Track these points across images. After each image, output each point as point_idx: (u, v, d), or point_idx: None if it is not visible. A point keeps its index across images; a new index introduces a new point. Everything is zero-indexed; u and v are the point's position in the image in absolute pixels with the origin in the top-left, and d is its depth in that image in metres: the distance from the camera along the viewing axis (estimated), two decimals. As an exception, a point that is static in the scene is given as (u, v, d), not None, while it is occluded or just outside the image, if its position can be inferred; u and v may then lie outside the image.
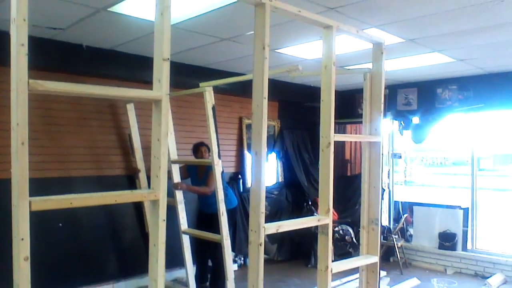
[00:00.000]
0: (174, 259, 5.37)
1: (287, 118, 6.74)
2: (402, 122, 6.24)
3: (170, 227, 5.51)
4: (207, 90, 4.24)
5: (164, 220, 2.05)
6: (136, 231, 5.23)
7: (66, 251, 4.66)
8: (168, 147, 4.61)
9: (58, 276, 4.56)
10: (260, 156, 2.49)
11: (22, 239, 1.65)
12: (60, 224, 4.61)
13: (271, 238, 6.25)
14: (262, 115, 2.50)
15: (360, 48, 4.19)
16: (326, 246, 2.92)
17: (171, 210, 5.17)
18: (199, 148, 4.98)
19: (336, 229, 6.16)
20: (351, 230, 6.10)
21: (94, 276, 4.86)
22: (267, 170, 2.52)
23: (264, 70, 2.44)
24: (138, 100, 2.18)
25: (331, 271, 2.94)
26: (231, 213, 4.91)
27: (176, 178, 4.83)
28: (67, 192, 2.01)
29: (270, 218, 5.57)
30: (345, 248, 5.98)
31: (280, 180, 6.73)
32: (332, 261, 2.97)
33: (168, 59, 2.00)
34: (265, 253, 6.17)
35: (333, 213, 6.44)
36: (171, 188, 4.73)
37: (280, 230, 2.70)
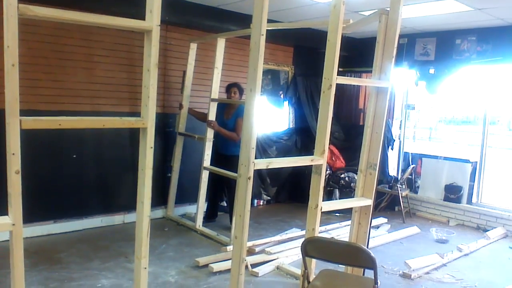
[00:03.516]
0: (185, 196, 5.63)
1: (301, 64, 6.68)
2: (417, 73, 6.12)
3: (186, 163, 5.71)
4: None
5: (151, 147, 2.15)
6: (156, 165, 5.46)
7: (82, 181, 4.93)
8: (212, 86, 4.96)
9: (74, 205, 4.86)
10: (254, 93, 2.55)
11: (13, 154, 1.78)
12: (74, 156, 4.83)
13: (272, 181, 6.44)
14: (259, 52, 2.52)
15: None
16: (318, 185, 3.01)
17: (194, 147, 5.47)
18: (231, 89, 5.11)
19: (343, 175, 6.26)
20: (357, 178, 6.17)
21: (107, 206, 5.14)
22: (258, 108, 2.57)
23: (264, 7, 2.44)
24: (129, 29, 2.22)
25: (321, 209, 3.05)
26: None
27: (212, 116, 5.02)
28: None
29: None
30: (350, 195, 6.08)
31: (291, 126, 6.79)
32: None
33: (159, -11, 2.03)
34: (266, 195, 6.42)
35: (341, 160, 6.57)
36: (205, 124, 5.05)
37: (270, 167, 2.80)
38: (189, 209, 5.69)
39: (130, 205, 5.30)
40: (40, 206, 4.46)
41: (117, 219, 5.21)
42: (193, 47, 5.28)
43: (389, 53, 3.24)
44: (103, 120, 1.99)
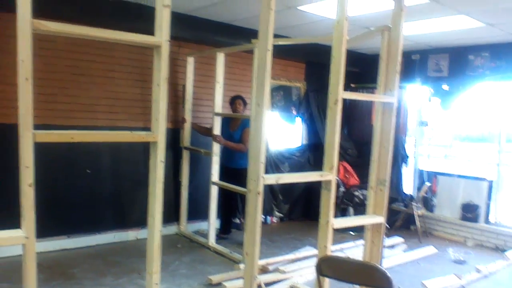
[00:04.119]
0: (198, 212, 5.63)
1: (313, 80, 6.70)
2: (431, 89, 6.09)
3: (198, 178, 5.74)
4: (257, 47, 4.36)
5: (162, 161, 2.17)
6: (167, 182, 5.48)
7: (95, 196, 4.97)
8: (214, 99, 4.98)
9: (87, 220, 4.89)
10: (262, 108, 2.56)
11: (27, 167, 1.80)
12: (89, 171, 4.88)
13: (284, 198, 6.41)
14: (266, 67, 2.53)
15: (385, 8, 4.09)
16: (328, 201, 2.98)
17: (204, 161, 5.49)
18: (235, 101, 5.19)
19: (357, 193, 6.19)
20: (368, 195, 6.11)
21: (120, 222, 5.17)
22: (267, 122, 2.58)
23: (270, 22, 2.47)
24: (139, 45, 2.26)
25: (332, 226, 3.01)
26: None
27: (217, 130, 5.05)
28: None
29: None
30: (364, 213, 6.00)
31: (303, 142, 6.78)
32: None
33: (169, 5, 2.07)
34: (279, 212, 6.39)
35: (355, 177, 6.51)
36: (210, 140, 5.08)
37: (280, 182, 2.79)
38: (202, 225, 5.68)
39: (143, 221, 5.28)
40: (54, 220, 4.51)
41: (131, 235, 5.23)
42: (190, 61, 5.35)
43: (393, 68, 3.24)
44: (114, 134, 2.02)
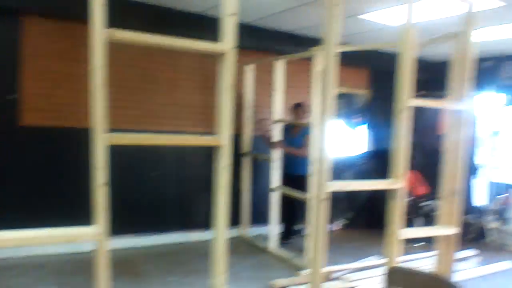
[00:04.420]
0: (258, 217, 5.67)
1: (378, 87, 6.53)
2: (506, 96, 5.72)
3: (258, 184, 5.84)
4: (317, 54, 4.38)
5: (226, 166, 2.20)
6: (232, 187, 5.59)
7: (162, 198, 5.16)
8: (273, 106, 5.07)
9: (154, 220, 5.09)
10: (326, 114, 2.53)
11: (100, 168, 1.90)
12: (156, 173, 5.08)
13: (349, 205, 6.28)
14: (331, 74, 2.50)
15: (453, 14, 3.91)
16: (395, 211, 2.89)
17: (263, 169, 5.53)
18: (297, 108, 5.18)
19: (424, 203, 5.93)
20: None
21: (185, 223, 5.34)
22: (331, 128, 2.54)
23: (335, 28, 2.44)
24: (206, 53, 2.31)
25: (400, 236, 2.91)
26: None
27: (276, 137, 5.10)
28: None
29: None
30: (432, 224, 5.73)
31: (367, 150, 6.61)
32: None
33: (235, 14, 2.10)
34: (342, 220, 6.27)
35: (423, 187, 6.25)
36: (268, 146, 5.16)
37: (345, 189, 2.74)
38: (262, 230, 5.70)
39: (206, 223, 5.44)
40: (122, 220, 4.68)
41: (195, 236, 5.36)
42: (250, 69, 5.41)
43: (464, 75, 3.09)
44: (182, 138, 2.09)
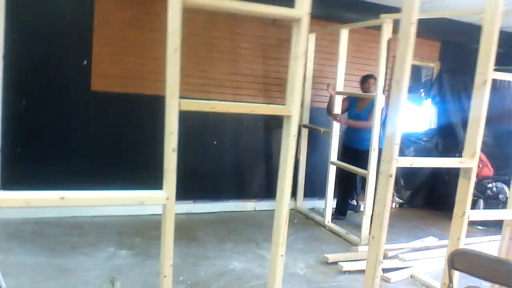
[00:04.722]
0: (314, 191, 5.63)
1: (448, 60, 6.17)
2: None
3: (316, 157, 5.78)
4: (386, 22, 4.19)
5: (295, 135, 2.15)
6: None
7: (220, 167, 5.23)
8: (337, 78, 4.87)
9: (211, 188, 5.18)
10: (401, 86, 2.41)
11: (171, 132, 1.91)
12: (215, 142, 5.14)
13: (406, 183, 6.10)
14: (409, 43, 2.36)
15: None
16: (466, 191, 2.76)
17: (323, 140, 5.46)
18: (368, 80, 4.95)
19: (490, 185, 5.65)
20: (506, 189, 5.53)
21: (241, 192, 5.40)
22: (405, 102, 2.42)
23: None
24: (279, 18, 2.24)
25: (468, 217, 2.78)
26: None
27: (337, 109, 4.97)
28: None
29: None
30: (496, 207, 5.47)
31: (432, 127, 6.33)
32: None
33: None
34: (399, 198, 6.10)
35: (489, 168, 5.96)
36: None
37: (414, 165, 2.62)
38: (318, 203, 5.66)
39: (261, 193, 5.50)
40: (182, 186, 4.81)
41: (249, 205, 5.42)
42: (312, 38, 5.21)
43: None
44: (252, 107, 2.06)
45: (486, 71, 2.58)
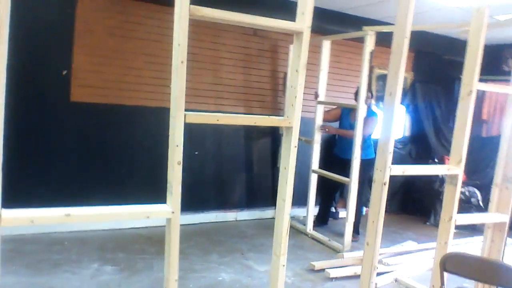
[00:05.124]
0: (295, 199, 5.66)
1: (421, 70, 6.38)
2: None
3: (297, 165, 5.86)
4: (369, 34, 4.30)
5: (295, 146, 2.19)
6: (266, 168, 5.64)
7: (201, 177, 5.19)
8: (318, 88, 4.94)
9: (192, 199, 5.13)
10: (394, 97, 2.49)
11: (177, 145, 1.91)
12: (196, 153, 5.10)
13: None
14: (402, 56, 2.45)
15: None
16: (453, 197, 2.86)
17: (302, 150, 5.46)
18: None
19: (463, 190, 5.86)
20: (478, 193, 5.76)
21: (221, 203, 5.37)
22: (398, 112, 2.51)
23: (410, 7, 2.37)
24: (281, 31, 2.28)
25: (455, 222, 2.89)
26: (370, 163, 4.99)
27: (319, 119, 5.06)
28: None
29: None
30: (469, 211, 5.68)
31: (405, 134, 6.53)
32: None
33: (311, -9, 2.06)
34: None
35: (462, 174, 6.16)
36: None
37: (406, 173, 2.71)
38: (298, 211, 5.71)
39: (241, 203, 5.50)
40: (163, 198, 4.79)
41: (230, 215, 5.40)
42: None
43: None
44: (254, 119, 2.08)
45: (471, 82, 2.69)
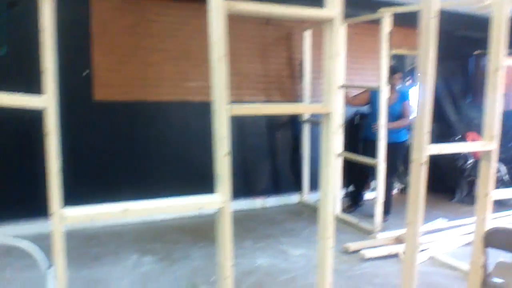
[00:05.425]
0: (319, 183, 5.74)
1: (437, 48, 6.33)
2: None
3: (319, 151, 5.88)
4: (386, 16, 4.30)
5: (334, 132, 2.22)
6: (289, 155, 5.73)
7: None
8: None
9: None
10: (427, 76, 2.51)
11: (224, 138, 1.96)
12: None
13: (406, 169, 6.26)
14: (431, 35, 2.46)
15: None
16: (487, 173, 2.89)
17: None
18: (394, 75, 4.92)
19: (488, 165, 5.84)
20: (504, 167, 5.74)
21: (249, 190, 5.48)
22: (432, 91, 2.52)
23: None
24: (312, 19, 2.30)
25: (491, 198, 2.91)
26: (403, 146, 5.04)
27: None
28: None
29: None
30: (495, 185, 5.67)
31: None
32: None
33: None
34: (400, 183, 6.25)
35: (485, 148, 6.11)
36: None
37: (444, 152, 2.74)
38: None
39: (268, 190, 5.57)
40: (192, 187, 4.88)
41: (257, 203, 5.49)
42: (308, 35, 5.33)
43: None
44: (294, 107, 2.12)
45: (497, 58, 2.69)
